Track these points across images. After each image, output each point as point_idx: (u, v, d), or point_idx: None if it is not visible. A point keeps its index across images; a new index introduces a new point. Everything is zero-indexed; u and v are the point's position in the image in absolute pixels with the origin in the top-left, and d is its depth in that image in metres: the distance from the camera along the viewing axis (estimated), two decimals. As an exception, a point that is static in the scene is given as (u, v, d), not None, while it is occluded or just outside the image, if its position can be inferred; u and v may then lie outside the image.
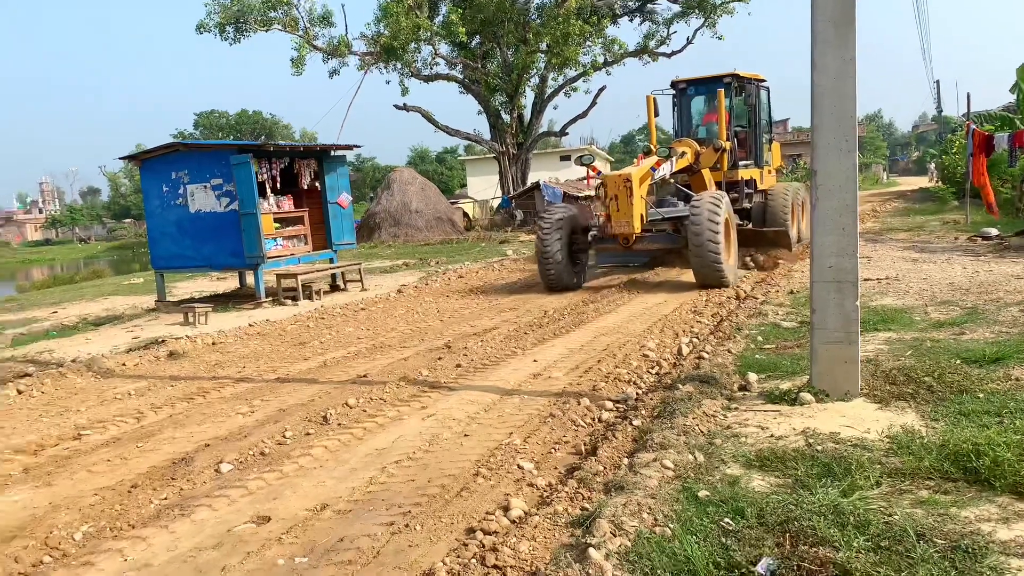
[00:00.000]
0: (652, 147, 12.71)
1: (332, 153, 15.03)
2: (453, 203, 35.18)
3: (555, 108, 34.42)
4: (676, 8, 31.11)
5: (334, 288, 15.00)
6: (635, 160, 12.87)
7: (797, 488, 3.75)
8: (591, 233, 12.74)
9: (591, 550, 3.20)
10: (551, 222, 12.29)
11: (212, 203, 13.32)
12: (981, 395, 4.90)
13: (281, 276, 13.63)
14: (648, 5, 32.07)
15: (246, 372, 8.03)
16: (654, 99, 13.81)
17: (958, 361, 5.73)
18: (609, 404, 5.81)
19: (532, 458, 4.82)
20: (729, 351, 6.89)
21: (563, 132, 36.14)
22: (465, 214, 33.96)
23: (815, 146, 5.10)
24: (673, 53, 31.95)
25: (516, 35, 30.05)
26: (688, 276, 11.79)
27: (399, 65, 29.53)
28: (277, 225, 14.17)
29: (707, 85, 14.55)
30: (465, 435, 5.36)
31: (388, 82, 44.81)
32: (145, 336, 10.72)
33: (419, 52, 29.79)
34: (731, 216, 11.96)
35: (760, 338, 7.44)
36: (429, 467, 4.78)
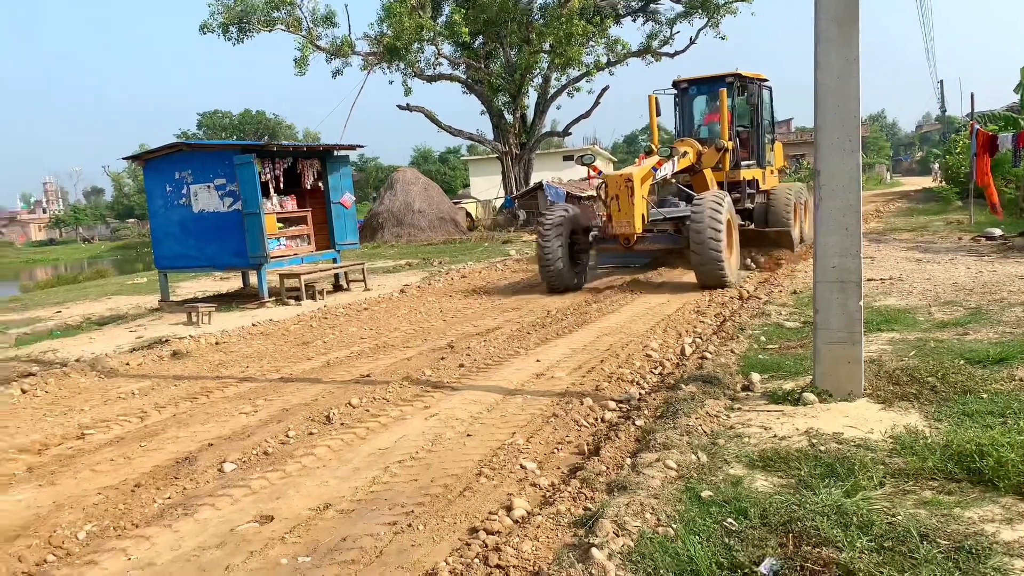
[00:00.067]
0: (654, 147, 12.67)
1: (335, 153, 15.05)
2: (456, 203, 35.19)
3: (558, 108, 34.43)
4: (679, 8, 31.08)
5: (337, 288, 15.01)
6: (637, 160, 12.84)
7: (800, 488, 3.74)
8: (592, 233, 12.69)
9: (594, 550, 3.20)
10: (552, 222, 12.22)
11: (215, 203, 13.34)
12: (985, 396, 4.89)
13: (284, 276, 13.64)
14: (651, 5, 32.03)
15: (249, 372, 8.04)
16: (656, 99, 13.75)
17: (962, 361, 5.72)
18: (612, 404, 5.81)
19: (535, 458, 4.82)
20: (732, 351, 6.88)
21: (566, 132, 36.14)
22: (468, 214, 33.94)
23: (818, 146, 5.10)
24: (676, 53, 31.92)
25: (519, 35, 30.04)
26: (690, 276, 11.75)
27: (402, 65, 29.51)
28: (280, 225, 14.19)
29: (709, 85, 14.47)
30: (468, 435, 5.36)
31: (391, 82, 44.58)
32: (149, 336, 10.74)
33: (422, 52, 29.79)
34: (733, 216, 11.91)
35: (763, 338, 7.44)
36: (432, 467, 4.78)
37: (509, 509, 3.98)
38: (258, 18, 27.28)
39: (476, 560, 3.45)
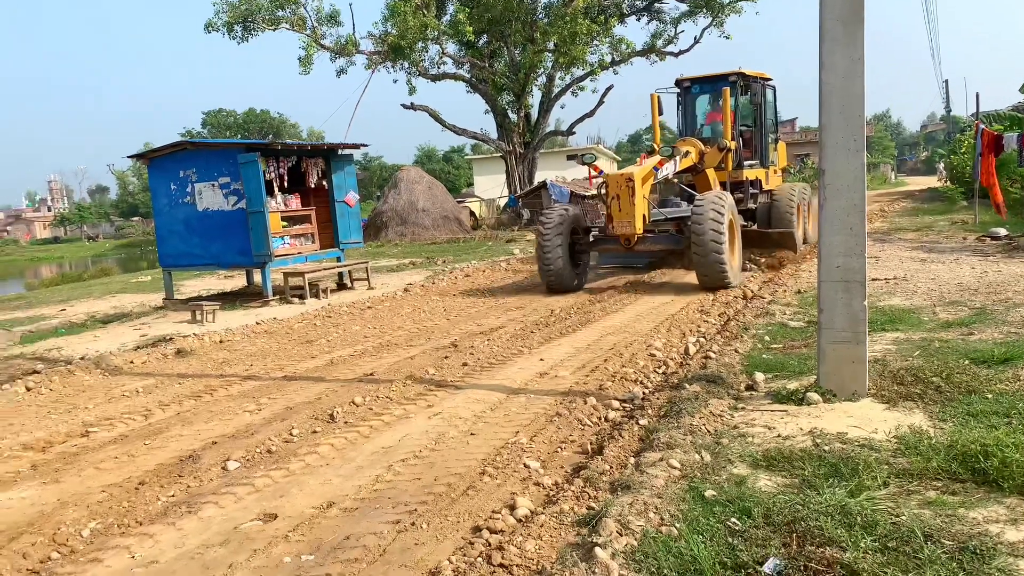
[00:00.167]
0: (655, 146, 12.61)
1: (339, 152, 15.04)
2: (460, 202, 35.17)
3: (562, 107, 34.55)
4: (684, 7, 31.03)
5: (341, 287, 15.02)
6: (638, 160, 12.79)
7: (804, 488, 3.74)
8: (592, 234, 12.59)
9: (597, 549, 3.20)
10: (551, 222, 12.10)
11: (220, 201, 13.35)
12: (990, 396, 4.88)
13: (288, 274, 13.66)
14: (655, 4, 32.00)
15: (253, 370, 8.05)
16: (658, 98, 13.65)
17: (966, 362, 5.71)
18: (616, 403, 5.80)
19: (538, 457, 4.82)
20: (736, 351, 6.88)
21: (570, 131, 36.09)
22: (472, 213, 33.94)
23: (823, 145, 5.09)
24: (680, 52, 31.87)
25: (523, 34, 30.02)
26: (692, 277, 11.68)
27: (406, 64, 29.51)
28: (284, 223, 14.19)
29: (712, 84, 14.36)
30: (471, 434, 5.36)
31: (395, 81, 44.83)
32: (153, 334, 10.76)
33: (426, 51, 29.77)
34: (735, 217, 11.81)
35: (767, 338, 7.43)
36: (435, 466, 4.79)
37: (512, 508, 3.98)
38: (263, 17, 27.29)
39: (479, 559, 3.46)
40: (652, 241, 12.10)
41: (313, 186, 14.84)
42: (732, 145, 13.35)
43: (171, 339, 9.96)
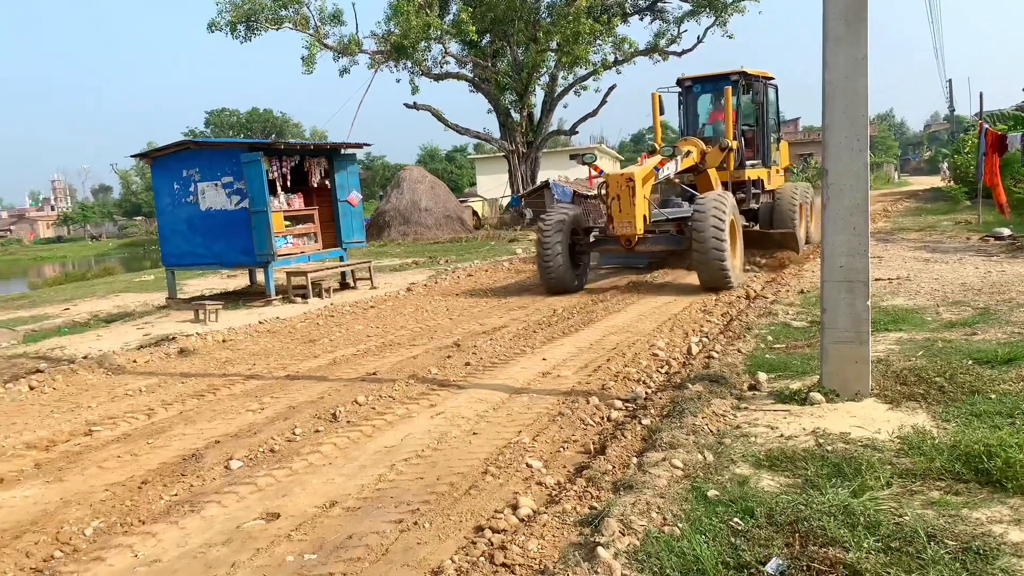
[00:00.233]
0: (656, 146, 12.55)
1: (342, 151, 15.05)
2: (463, 201, 35.16)
3: (565, 107, 34.49)
4: (687, 7, 31.01)
5: (344, 286, 15.03)
6: (639, 159, 12.73)
7: (807, 488, 3.73)
8: (593, 234, 12.49)
9: (600, 549, 3.20)
10: (551, 222, 12.00)
11: (223, 201, 13.36)
12: (993, 396, 4.87)
13: (291, 274, 13.67)
14: (658, 4, 31.96)
15: (256, 369, 8.06)
16: (659, 97, 13.58)
17: (970, 362, 5.70)
18: (618, 403, 5.80)
19: (541, 457, 4.82)
20: (739, 350, 6.87)
21: (573, 131, 36.06)
22: (474, 212, 33.94)
23: (826, 145, 5.08)
24: (684, 52, 31.85)
25: (526, 34, 30.00)
26: (695, 277, 11.63)
27: (409, 64, 29.52)
28: (287, 223, 14.20)
29: (713, 83, 14.28)
30: (474, 433, 5.37)
31: (398, 81, 44.94)
32: (156, 333, 10.77)
33: (429, 51, 29.77)
34: (736, 217, 11.74)
35: (770, 337, 7.42)
36: (438, 465, 4.79)
37: (515, 508, 3.98)
38: (266, 16, 27.31)
39: (482, 558, 3.46)
40: (653, 242, 12.00)
41: (316, 185, 14.85)
42: (734, 145, 13.29)
43: (174, 338, 9.97)
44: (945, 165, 42.68)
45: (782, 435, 4.58)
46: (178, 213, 13.95)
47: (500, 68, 31.63)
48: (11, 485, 5.02)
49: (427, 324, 10.19)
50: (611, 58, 31.04)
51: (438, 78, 31.12)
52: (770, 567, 3.01)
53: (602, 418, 5.53)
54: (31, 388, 7.73)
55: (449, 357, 7.95)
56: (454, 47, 30.69)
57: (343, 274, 15.08)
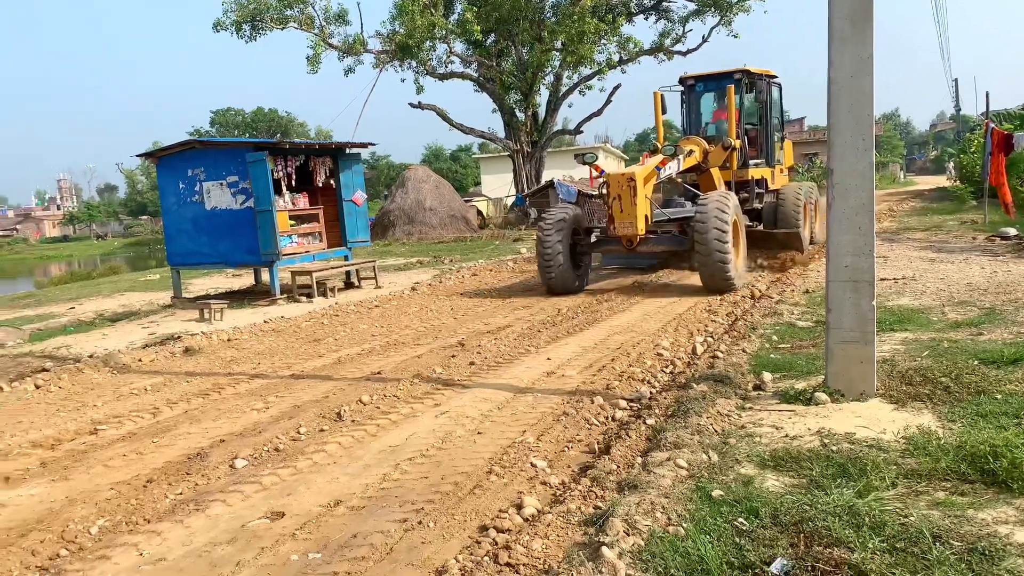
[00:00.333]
0: (658, 145, 12.47)
1: (347, 151, 15.07)
2: (467, 201, 35.19)
3: (570, 106, 34.51)
4: (692, 6, 30.96)
5: (348, 285, 15.05)
6: (641, 159, 12.65)
7: (812, 488, 3.72)
8: (594, 234, 12.40)
9: (604, 549, 3.20)
10: (552, 223, 11.88)
11: (228, 200, 13.39)
12: (999, 396, 4.85)
13: (296, 273, 13.69)
14: (663, 3, 31.91)
15: (261, 368, 8.07)
16: (661, 96, 13.46)
17: (976, 362, 5.68)
18: (623, 403, 5.80)
19: (545, 456, 4.82)
20: (744, 350, 6.86)
21: (578, 130, 36.12)
22: (479, 212, 33.95)
23: (831, 144, 5.07)
24: (689, 51, 31.78)
25: (531, 33, 30.01)
26: (696, 279, 11.52)
27: (414, 63, 29.54)
28: (292, 222, 14.22)
29: (716, 81, 14.17)
30: (478, 433, 5.37)
31: (403, 80, 44.90)
32: (161, 332, 10.80)
33: (434, 50, 29.80)
34: (740, 217, 11.60)
35: (775, 337, 7.40)
36: (442, 464, 4.79)
37: (519, 507, 3.98)
38: (271, 16, 27.37)
39: (486, 558, 3.46)
40: (655, 242, 11.88)
41: (321, 185, 14.88)
42: (737, 144, 13.16)
43: (179, 337, 9.99)
44: (951, 164, 42.53)
45: (787, 435, 4.57)
46: (183, 212, 13.98)
47: (505, 67, 31.64)
48: (17, 483, 5.04)
49: (431, 323, 10.19)
50: (616, 58, 31.01)
51: (443, 78, 31.14)
52: (775, 567, 3.00)
53: (607, 418, 5.52)
54: (37, 387, 7.76)
55: (453, 356, 7.95)
56: (459, 47, 30.73)
57: (348, 273, 15.10)
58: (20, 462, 5.46)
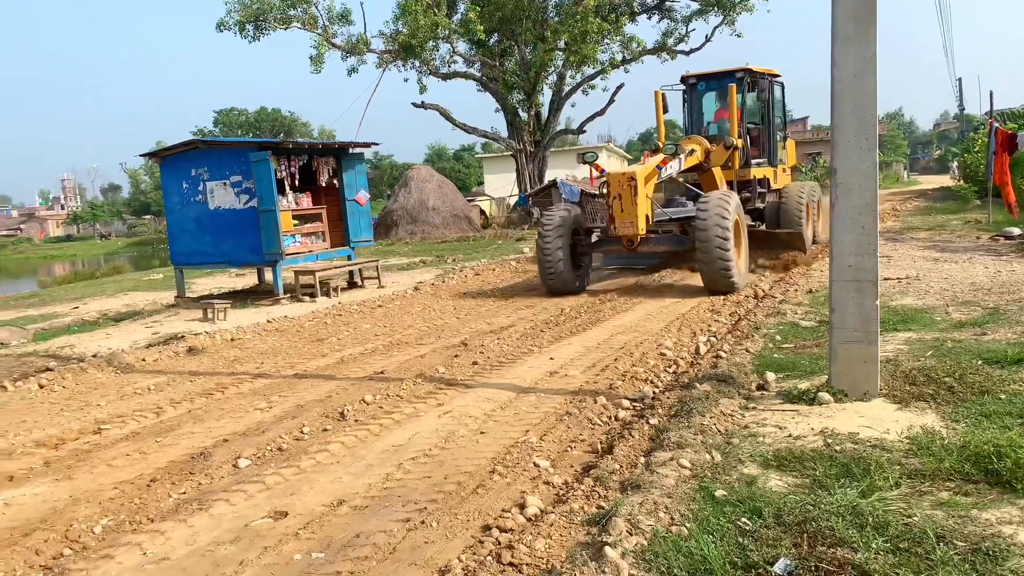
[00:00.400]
0: (659, 144, 12.41)
1: (350, 150, 15.07)
2: (470, 201, 35.19)
3: (573, 106, 34.51)
4: (695, 5, 30.88)
5: (352, 285, 15.06)
6: (642, 158, 12.59)
7: (815, 488, 3.72)
8: (595, 234, 12.33)
9: (607, 548, 3.20)
10: (552, 223, 11.78)
11: (231, 200, 13.40)
12: (1003, 396, 4.84)
13: (299, 273, 13.70)
14: (666, 2, 31.85)
15: (264, 368, 8.08)
16: (663, 95, 13.36)
17: (979, 362, 5.67)
18: (626, 403, 5.79)
19: (548, 456, 4.82)
20: (747, 350, 6.85)
21: (581, 130, 36.01)
22: (482, 212, 33.97)
23: (835, 144, 5.06)
24: (692, 51, 31.72)
25: (534, 33, 29.98)
26: (698, 279, 11.45)
27: (417, 63, 29.53)
28: (295, 222, 14.23)
29: (718, 80, 14.05)
30: (481, 432, 5.37)
31: (406, 80, 45.07)
32: (164, 332, 10.82)
33: (437, 50, 29.77)
34: (741, 217, 11.52)
35: (778, 337, 7.39)
36: (445, 464, 4.79)
37: (522, 507, 3.98)
38: (274, 16, 27.37)
39: (489, 558, 3.46)
40: (656, 242, 11.80)
41: (324, 185, 14.88)
42: (739, 143, 13.08)
43: (183, 337, 10.01)
44: (955, 164, 42.45)
45: (790, 435, 4.56)
46: (187, 212, 14.00)
47: (508, 67, 31.61)
48: (21, 483, 5.05)
49: (434, 323, 10.19)
50: (619, 57, 30.96)
51: (446, 77, 31.13)
52: (778, 567, 3.00)
53: (610, 417, 5.52)
54: (41, 386, 7.77)
55: (456, 356, 7.96)
56: (462, 46, 30.70)
57: (351, 273, 15.11)
58: (24, 461, 5.47)
